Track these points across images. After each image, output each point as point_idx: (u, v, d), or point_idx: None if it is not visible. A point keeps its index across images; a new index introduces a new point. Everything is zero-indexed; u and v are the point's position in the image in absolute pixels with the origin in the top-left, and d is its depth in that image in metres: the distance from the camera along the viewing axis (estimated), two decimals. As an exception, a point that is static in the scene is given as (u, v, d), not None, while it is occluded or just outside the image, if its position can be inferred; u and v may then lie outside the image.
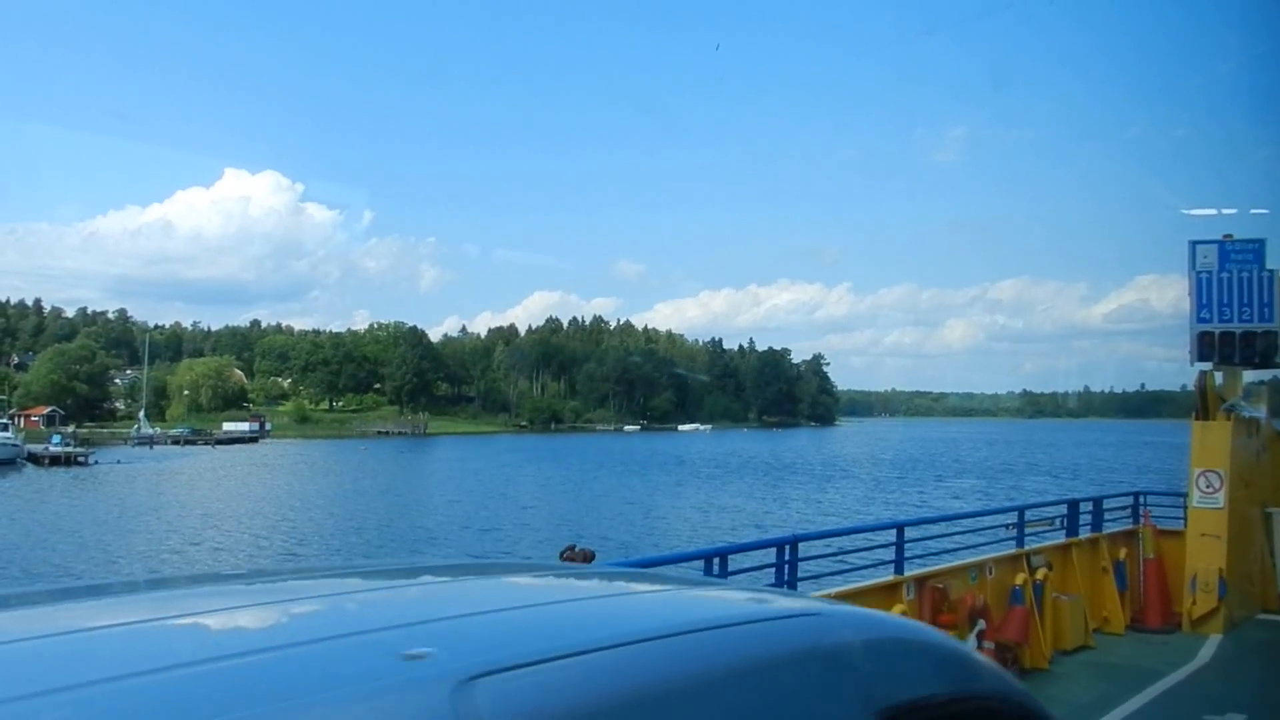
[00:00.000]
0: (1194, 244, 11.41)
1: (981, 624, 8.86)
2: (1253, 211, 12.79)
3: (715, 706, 1.42)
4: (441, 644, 1.37)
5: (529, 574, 2.28)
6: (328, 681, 1.24)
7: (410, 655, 1.31)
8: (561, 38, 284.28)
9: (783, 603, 2.00)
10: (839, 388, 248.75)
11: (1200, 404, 11.14)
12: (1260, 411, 11.62)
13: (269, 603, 1.73)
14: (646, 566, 6.13)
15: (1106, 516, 12.06)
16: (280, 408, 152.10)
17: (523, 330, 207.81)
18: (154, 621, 1.56)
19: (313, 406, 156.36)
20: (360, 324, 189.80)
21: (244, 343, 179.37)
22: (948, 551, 9.83)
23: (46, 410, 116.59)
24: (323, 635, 1.46)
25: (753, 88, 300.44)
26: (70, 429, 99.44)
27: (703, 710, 1.40)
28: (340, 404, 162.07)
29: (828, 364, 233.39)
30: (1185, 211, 13.52)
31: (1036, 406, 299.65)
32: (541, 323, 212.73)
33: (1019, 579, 9.73)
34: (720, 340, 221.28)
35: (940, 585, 8.68)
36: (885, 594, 8.21)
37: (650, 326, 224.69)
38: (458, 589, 2.03)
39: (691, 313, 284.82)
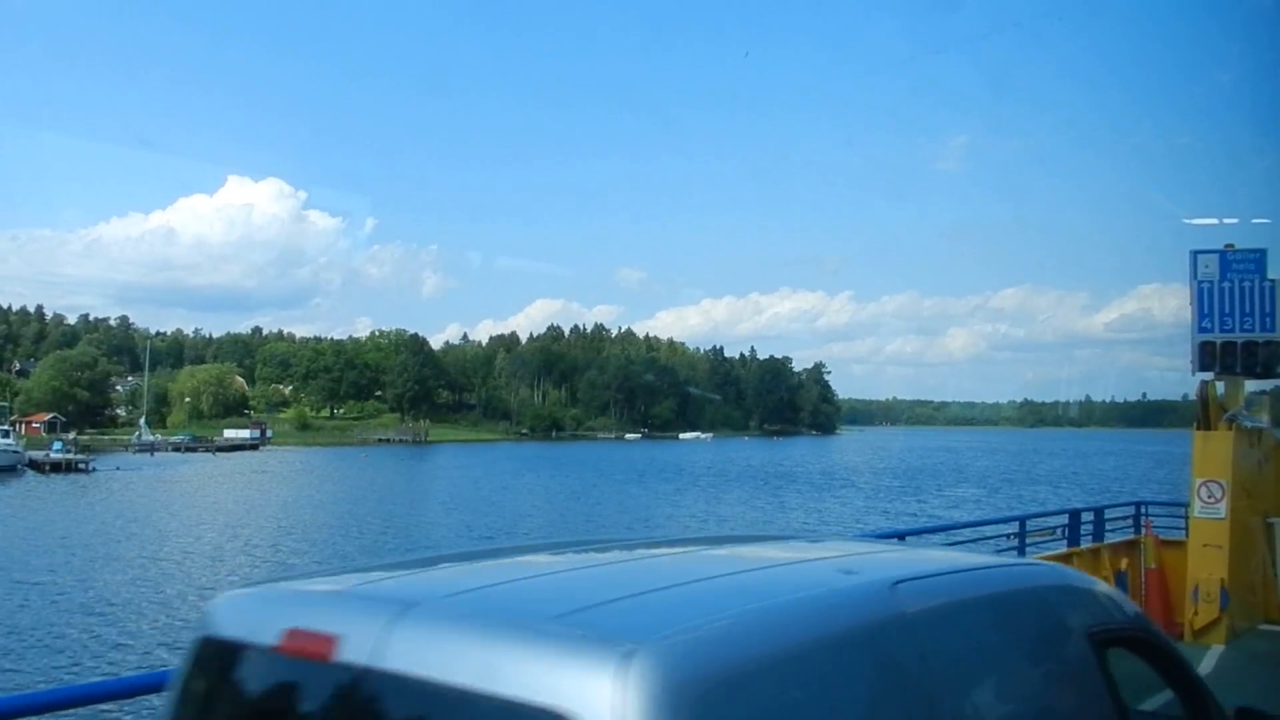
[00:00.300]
0: (1195, 253, 11.34)
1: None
2: (1254, 221, 12.72)
3: (1015, 612, 2.57)
4: (859, 568, 2.57)
5: (850, 541, 3.85)
6: (819, 581, 2.38)
7: (848, 571, 2.49)
8: (566, 47, 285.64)
9: (1017, 557, 4.88)
10: (840, 396, 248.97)
11: (1202, 414, 11.06)
12: (1262, 421, 11.55)
13: (759, 545, 3.32)
14: None
15: (1108, 526, 12.00)
16: (281, 415, 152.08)
17: (524, 338, 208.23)
18: (710, 552, 2.97)
19: (314, 414, 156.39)
20: (362, 331, 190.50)
21: (245, 350, 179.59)
22: (948, 561, 9.76)
23: (48, 417, 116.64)
24: (795, 561, 2.73)
25: (756, 97, 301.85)
26: (71, 436, 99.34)
27: (1009, 612, 2.55)
28: (341, 411, 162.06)
29: (829, 372, 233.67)
30: (1187, 221, 13.52)
31: (1038, 416, 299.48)
32: (543, 330, 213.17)
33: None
34: (721, 348, 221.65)
35: None
36: None
37: (652, 334, 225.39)
38: (824, 543, 3.44)
39: (693, 321, 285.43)
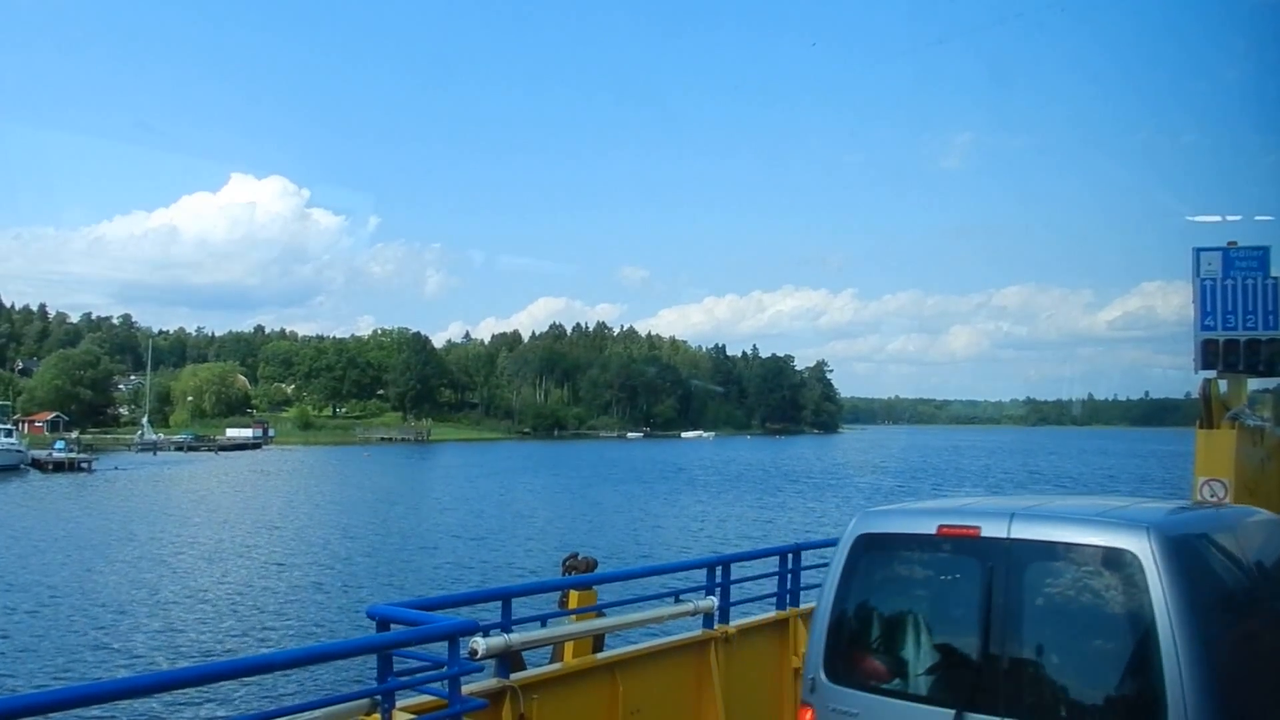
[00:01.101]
0: (1198, 251, 11.30)
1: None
2: (1258, 218, 12.62)
3: (1263, 531, 4.99)
4: (1184, 505, 5.59)
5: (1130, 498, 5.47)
6: (1175, 509, 4.88)
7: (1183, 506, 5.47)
8: (570, 43, 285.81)
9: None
10: (842, 395, 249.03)
11: (1204, 412, 11.03)
12: (1265, 420, 11.53)
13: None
14: None
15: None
16: (283, 414, 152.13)
17: (526, 336, 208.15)
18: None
19: (316, 412, 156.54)
20: (364, 330, 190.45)
21: (248, 348, 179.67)
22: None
23: (50, 416, 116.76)
24: (1143, 503, 5.04)
25: (761, 93, 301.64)
26: (74, 435, 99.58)
27: (1257, 531, 4.93)
28: (343, 410, 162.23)
29: (831, 371, 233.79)
30: (1190, 218, 13.43)
31: (1040, 414, 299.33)
32: (545, 329, 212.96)
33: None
34: (724, 347, 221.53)
35: None
36: None
37: (654, 333, 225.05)
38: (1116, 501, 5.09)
39: (695, 319, 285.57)
